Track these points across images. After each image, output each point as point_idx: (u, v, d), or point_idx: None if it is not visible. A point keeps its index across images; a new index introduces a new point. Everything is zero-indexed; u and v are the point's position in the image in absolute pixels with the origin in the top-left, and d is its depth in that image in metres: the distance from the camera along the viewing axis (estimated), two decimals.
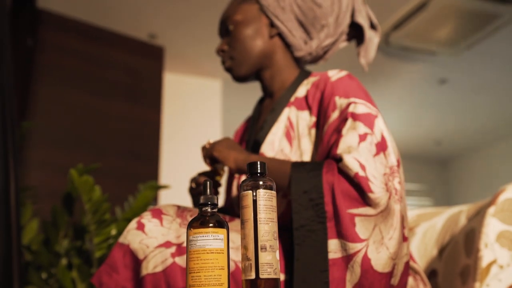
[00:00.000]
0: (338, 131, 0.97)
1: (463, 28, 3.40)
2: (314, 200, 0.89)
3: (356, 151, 0.91)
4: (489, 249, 1.00)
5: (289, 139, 1.09)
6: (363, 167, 0.89)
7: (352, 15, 1.21)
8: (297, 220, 0.88)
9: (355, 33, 1.24)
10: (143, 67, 3.37)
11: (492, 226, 1.03)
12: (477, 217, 1.12)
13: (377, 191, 0.87)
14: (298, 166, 0.94)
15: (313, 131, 1.06)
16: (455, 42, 3.60)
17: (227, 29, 1.20)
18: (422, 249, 1.27)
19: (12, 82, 1.25)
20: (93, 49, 3.15)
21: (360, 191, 0.88)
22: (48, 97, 2.86)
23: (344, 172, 0.90)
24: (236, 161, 1.00)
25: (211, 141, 1.09)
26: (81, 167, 1.40)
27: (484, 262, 0.99)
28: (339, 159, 0.92)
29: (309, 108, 1.09)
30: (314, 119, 1.07)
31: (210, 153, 1.05)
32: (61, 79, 2.95)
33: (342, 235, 0.86)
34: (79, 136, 2.91)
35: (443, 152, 6.76)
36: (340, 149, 0.93)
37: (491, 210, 1.05)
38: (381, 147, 0.93)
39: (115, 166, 2.98)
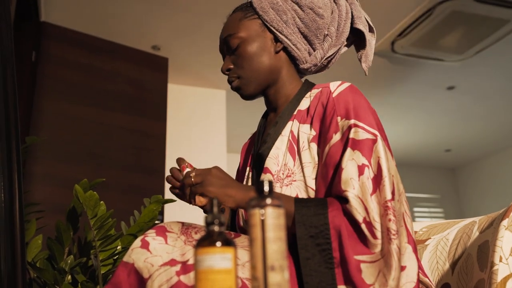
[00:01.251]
0: (339, 161, 0.96)
1: (470, 34, 3.39)
2: (321, 245, 0.88)
3: (358, 187, 0.91)
4: (504, 263, 0.98)
5: (292, 153, 1.07)
6: (367, 210, 0.89)
7: (352, 22, 1.20)
8: (306, 266, 0.88)
9: (354, 38, 1.23)
10: (147, 79, 3.37)
11: (506, 239, 1.00)
12: (490, 229, 1.09)
13: (380, 236, 0.88)
14: (301, 207, 0.92)
15: (313, 145, 1.05)
16: (462, 48, 3.58)
17: (230, 47, 1.16)
18: (434, 263, 1.24)
19: (16, 96, 1.24)
20: (97, 61, 3.15)
21: (365, 236, 0.88)
22: (52, 110, 2.86)
23: (350, 216, 0.90)
24: (235, 200, 0.94)
25: (193, 174, 0.96)
26: (85, 182, 1.39)
27: (499, 277, 0.97)
28: (344, 199, 0.92)
29: (311, 121, 1.07)
30: (314, 133, 1.06)
31: (202, 193, 0.95)
32: (64, 92, 2.95)
33: (349, 282, 0.86)
34: (83, 149, 2.90)
35: (453, 159, 6.72)
36: (343, 184, 0.92)
37: (505, 222, 1.02)
38: (377, 181, 0.93)
39: (119, 179, 2.97)
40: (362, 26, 1.19)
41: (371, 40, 1.21)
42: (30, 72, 2.80)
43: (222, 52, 1.21)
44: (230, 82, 1.18)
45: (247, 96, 1.18)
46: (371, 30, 1.23)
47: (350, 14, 1.20)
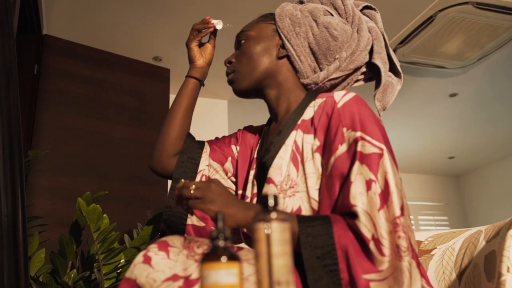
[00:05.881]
0: (348, 174, 0.95)
1: (471, 41, 3.38)
2: (328, 266, 0.86)
3: (367, 203, 0.90)
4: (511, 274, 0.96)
5: (295, 164, 1.06)
6: (375, 226, 0.87)
7: (371, 56, 1.19)
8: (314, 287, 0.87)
9: (373, 74, 1.22)
10: (149, 90, 3.37)
11: None
12: (497, 239, 1.08)
13: (387, 253, 0.86)
14: (306, 226, 0.90)
15: (317, 155, 1.04)
16: (464, 55, 3.58)
17: (238, 42, 1.23)
18: (440, 273, 1.23)
19: (19, 110, 1.24)
20: (99, 73, 3.15)
21: (371, 253, 0.86)
22: (54, 123, 2.85)
23: (357, 232, 0.88)
24: (236, 220, 0.91)
25: (193, 187, 0.92)
26: (88, 195, 1.38)
27: (507, 287, 0.96)
28: (352, 214, 0.90)
29: (314, 131, 1.06)
30: (318, 143, 1.04)
31: (201, 210, 0.91)
32: (66, 105, 2.95)
33: None
34: (86, 161, 2.89)
35: (457, 166, 6.69)
36: (352, 198, 0.91)
37: (511, 232, 1.01)
38: (384, 197, 0.91)
39: (122, 191, 2.96)
40: (379, 61, 1.17)
41: (393, 83, 1.19)
42: (32, 85, 2.80)
43: (234, 47, 1.28)
44: (227, 74, 1.24)
45: (239, 91, 1.21)
46: (397, 75, 1.22)
47: (369, 47, 1.18)
